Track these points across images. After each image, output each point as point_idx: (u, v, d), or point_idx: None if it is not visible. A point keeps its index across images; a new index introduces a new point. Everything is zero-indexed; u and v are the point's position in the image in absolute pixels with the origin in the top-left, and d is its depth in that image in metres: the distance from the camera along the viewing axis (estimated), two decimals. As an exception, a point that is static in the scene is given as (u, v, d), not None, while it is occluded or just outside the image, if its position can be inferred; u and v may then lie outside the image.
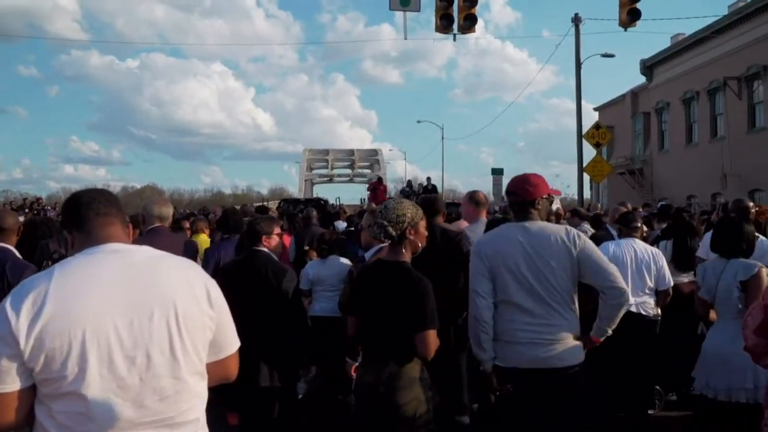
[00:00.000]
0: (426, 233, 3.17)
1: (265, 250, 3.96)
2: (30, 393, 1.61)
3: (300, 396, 3.94)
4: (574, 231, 3.15)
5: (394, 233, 3.00)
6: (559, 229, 3.13)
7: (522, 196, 3.20)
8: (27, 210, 23.46)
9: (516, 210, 3.26)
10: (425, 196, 6.58)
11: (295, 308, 3.87)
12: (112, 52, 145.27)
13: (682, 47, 27.75)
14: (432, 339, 2.92)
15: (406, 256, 3.06)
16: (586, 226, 7.61)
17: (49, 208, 25.16)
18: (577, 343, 3.09)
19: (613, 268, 3.08)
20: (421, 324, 2.89)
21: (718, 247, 4.05)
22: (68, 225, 1.83)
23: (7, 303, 1.58)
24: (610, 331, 3.14)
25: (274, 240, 4.02)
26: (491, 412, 4.69)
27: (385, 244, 3.57)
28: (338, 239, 6.02)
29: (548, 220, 3.40)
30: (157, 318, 1.67)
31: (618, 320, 3.12)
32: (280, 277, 3.81)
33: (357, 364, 3.39)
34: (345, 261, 5.64)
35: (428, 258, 3.35)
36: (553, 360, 3.01)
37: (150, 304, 1.67)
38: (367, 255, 3.93)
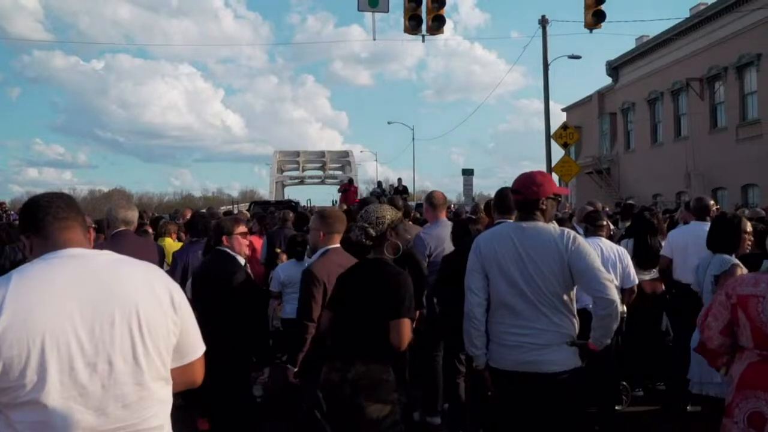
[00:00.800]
0: (407, 237, 3.24)
1: (226, 249, 3.93)
2: None
3: (258, 398, 3.90)
4: (571, 234, 3.01)
5: (374, 234, 3.11)
6: (554, 232, 3.01)
7: (526, 196, 3.10)
8: (-9, 215, 22.77)
9: (519, 209, 3.17)
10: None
11: (249, 309, 3.84)
12: (76, 53, 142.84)
13: (646, 49, 28.33)
14: (406, 328, 2.97)
15: (387, 256, 3.17)
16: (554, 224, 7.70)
17: (13, 213, 24.47)
18: (569, 348, 2.97)
19: (604, 277, 2.93)
20: (396, 311, 2.96)
21: (707, 242, 4.11)
22: (26, 229, 1.80)
23: None
24: (607, 341, 3.01)
25: (236, 240, 3.96)
26: (463, 413, 4.72)
27: (332, 246, 3.69)
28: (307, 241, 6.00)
29: None
30: (119, 324, 1.65)
31: (612, 331, 2.99)
32: (230, 276, 3.79)
33: (296, 369, 3.51)
34: (315, 263, 5.63)
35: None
36: (539, 365, 2.92)
37: (111, 310, 1.64)
38: (314, 257, 3.91)
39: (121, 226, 4.45)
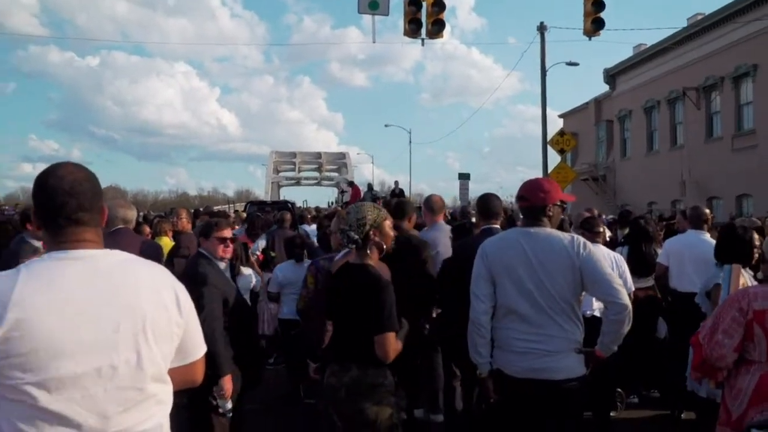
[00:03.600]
0: (392, 234, 3.16)
1: (204, 252, 3.82)
2: None
3: (228, 413, 3.53)
4: (580, 240, 2.99)
5: (356, 237, 3.01)
6: (565, 238, 2.99)
7: (533, 202, 3.09)
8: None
9: (526, 215, 3.14)
10: (398, 200, 6.61)
11: (207, 315, 3.47)
12: (72, 49, 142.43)
13: (643, 57, 28.46)
14: (390, 342, 2.87)
15: (373, 257, 3.07)
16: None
17: (7, 208, 24.27)
18: (577, 356, 2.95)
19: (616, 282, 2.93)
20: (378, 326, 2.86)
21: (715, 253, 4.10)
22: (38, 217, 1.73)
23: None
24: (615, 348, 2.99)
25: (211, 243, 3.80)
26: (460, 417, 4.72)
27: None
28: (306, 243, 6.02)
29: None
30: (124, 328, 1.63)
31: (621, 337, 2.97)
32: (194, 278, 3.57)
33: (317, 365, 3.38)
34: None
35: (390, 264, 3.37)
36: (547, 372, 2.90)
37: (116, 313, 1.63)
38: (337, 257, 3.89)
39: (120, 224, 4.44)
